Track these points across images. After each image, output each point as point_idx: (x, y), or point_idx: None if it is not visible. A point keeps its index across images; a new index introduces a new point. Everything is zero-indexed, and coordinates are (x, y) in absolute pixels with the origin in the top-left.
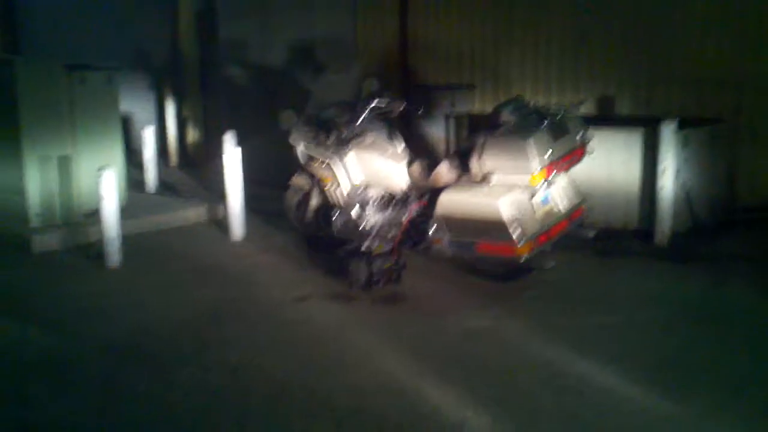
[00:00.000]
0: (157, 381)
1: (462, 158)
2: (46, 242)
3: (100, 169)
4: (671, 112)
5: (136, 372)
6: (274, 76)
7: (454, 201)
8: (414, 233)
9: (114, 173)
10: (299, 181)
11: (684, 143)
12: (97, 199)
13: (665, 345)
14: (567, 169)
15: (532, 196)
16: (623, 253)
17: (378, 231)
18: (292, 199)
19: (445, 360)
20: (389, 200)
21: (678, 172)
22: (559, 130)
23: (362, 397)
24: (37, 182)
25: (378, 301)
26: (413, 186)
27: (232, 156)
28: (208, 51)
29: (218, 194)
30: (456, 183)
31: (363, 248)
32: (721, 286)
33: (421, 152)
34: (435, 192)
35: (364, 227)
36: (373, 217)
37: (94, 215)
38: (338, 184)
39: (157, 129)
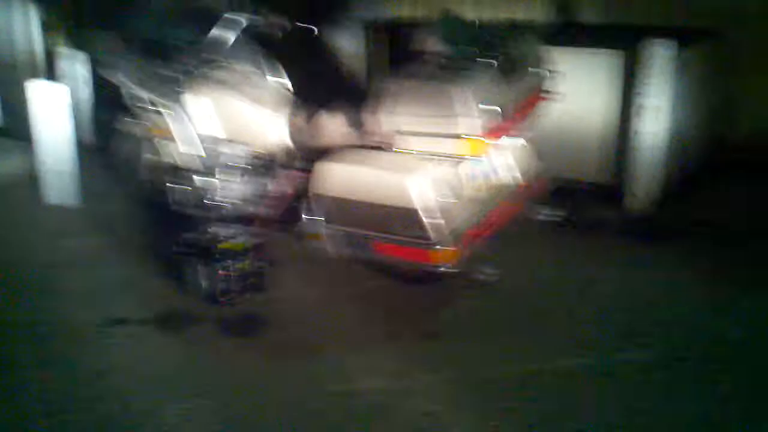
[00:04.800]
0: None
1: (360, 106)
2: None
3: None
4: (651, 19)
5: None
6: None
7: (341, 174)
8: (286, 216)
9: None
10: (131, 125)
11: (676, 68)
12: None
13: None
14: (520, 126)
15: (461, 166)
16: (587, 226)
17: (231, 211)
18: (123, 150)
19: None
20: (252, 165)
21: (663, 109)
22: (510, 66)
23: None
24: None
25: (227, 325)
26: (291, 146)
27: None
28: None
29: None
30: (349, 145)
31: (207, 240)
32: (706, 292)
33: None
34: (318, 157)
35: (210, 204)
36: (224, 190)
37: None
38: (173, 139)
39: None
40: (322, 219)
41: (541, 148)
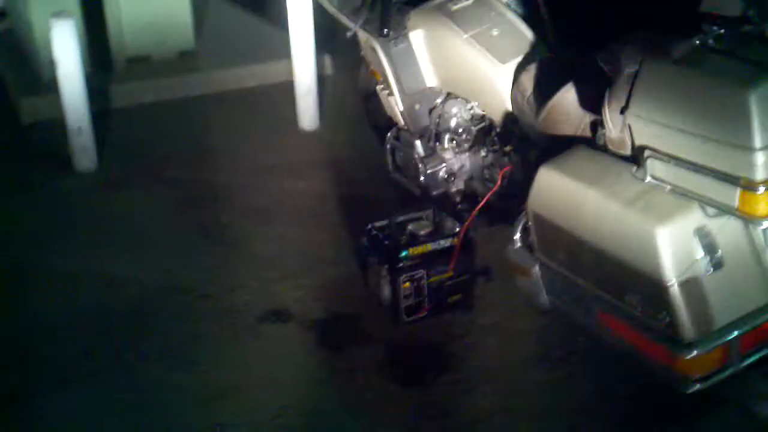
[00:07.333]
0: None
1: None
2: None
3: (54, 15)
4: None
5: None
6: None
7: (565, 190)
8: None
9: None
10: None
11: None
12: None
13: None
14: None
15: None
16: None
17: (447, 193)
18: (366, 84)
19: None
20: (485, 132)
21: None
22: None
23: None
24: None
25: (397, 360)
26: (518, 117)
27: None
28: None
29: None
30: (585, 140)
31: (398, 238)
32: None
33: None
34: (546, 147)
35: (426, 179)
36: (449, 162)
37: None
38: (389, 87)
39: None
40: (537, 248)
41: None
